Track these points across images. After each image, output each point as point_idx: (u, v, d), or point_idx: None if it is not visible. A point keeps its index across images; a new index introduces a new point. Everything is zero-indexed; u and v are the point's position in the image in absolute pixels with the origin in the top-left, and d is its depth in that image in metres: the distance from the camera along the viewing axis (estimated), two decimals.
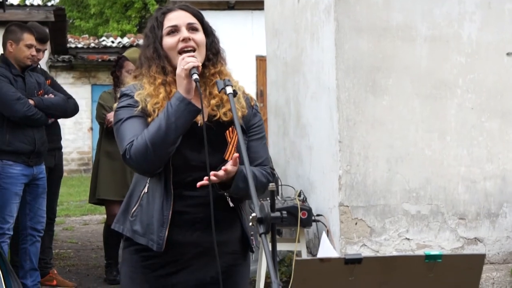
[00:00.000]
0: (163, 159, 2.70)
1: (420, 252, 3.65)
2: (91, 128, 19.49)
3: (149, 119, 2.75)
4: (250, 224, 2.31)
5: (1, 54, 5.91)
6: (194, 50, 2.80)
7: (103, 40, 21.74)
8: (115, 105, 2.86)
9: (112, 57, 17.07)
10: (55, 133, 6.52)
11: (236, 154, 2.66)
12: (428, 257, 1.97)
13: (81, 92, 19.27)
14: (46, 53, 11.72)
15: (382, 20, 5.50)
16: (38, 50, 6.10)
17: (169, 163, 2.74)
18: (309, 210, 5.52)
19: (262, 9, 8.45)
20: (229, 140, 2.82)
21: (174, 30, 2.83)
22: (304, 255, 5.52)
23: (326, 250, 2.20)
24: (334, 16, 5.46)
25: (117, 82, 6.41)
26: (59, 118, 6.36)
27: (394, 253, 5.23)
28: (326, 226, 5.66)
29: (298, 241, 5.51)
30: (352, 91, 5.44)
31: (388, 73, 5.49)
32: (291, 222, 5.40)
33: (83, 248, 8.50)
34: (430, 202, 5.52)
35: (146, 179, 2.82)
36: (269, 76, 8.05)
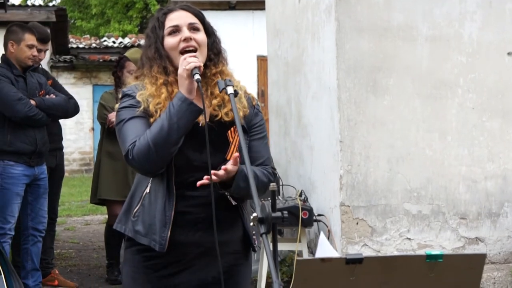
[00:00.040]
0: (166, 160, 2.70)
1: (421, 252, 3.65)
2: (93, 128, 19.49)
3: (151, 120, 2.75)
4: (251, 224, 2.31)
5: (3, 54, 5.91)
6: (195, 50, 2.80)
7: (105, 41, 21.74)
8: (117, 106, 2.86)
9: (114, 58, 17.06)
10: (56, 133, 6.53)
11: (236, 154, 2.67)
12: (429, 257, 1.97)
13: (82, 93, 19.28)
14: (48, 54, 11.74)
15: (383, 20, 5.50)
16: (39, 50, 6.10)
17: (172, 164, 2.74)
18: (310, 210, 5.52)
19: (263, 9, 8.46)
20: (231, 140, 2.82)
21: (176, 30, 2.83)
22: (305, 255, 5.52)
23: (325, 250, 2.20)
24: (335, 16, 5.47)
25: (119, 82, 6.41)
26: (61, 118, 6.36)
27: (395, 253, 5.23)
28: (327, 226, 5.66)
29: (299, 241, 5.51)
30: (353, 91, 5.44)
31: (389, 73, 5.49)
32: (292, 222, 5.41)
33: (85, 248, 8.50)
34: (431, 202, 5.52)
35: (148, 179, 2.82)
36: (270, 76, 8.06)
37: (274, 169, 2.98)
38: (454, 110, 5.56)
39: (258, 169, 2.84)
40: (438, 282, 2.01)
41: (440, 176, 5.53)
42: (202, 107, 2.66)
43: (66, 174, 8.03)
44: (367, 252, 5.40)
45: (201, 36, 2.85)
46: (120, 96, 2.89)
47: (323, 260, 1.94)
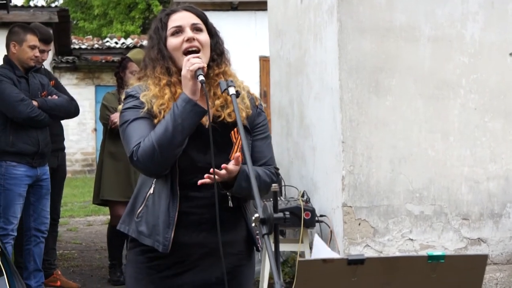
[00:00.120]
0: (170, 161, 2.71)
1: (423, 252, 3.65)
2: (95, 129, 19.50)
3: (155, 121, 2.75)
4: (253, 225, 2.31)
5: (5, 55, 5.91)
6: (198, 51, 2.80)
7: (107, 41, 21.76)
8: (120, 107, 2.86)
9: (116, 58, 17.09)
10: (57, 134, 6.53)
11: (238, 154, 2.67)
12: (431, 257, 1.97)
13: (84, 93, 19.31)
14: (50, 54, 11.75)
15: (385, 20, 5.50)
16: (42, 51, 6.11)
17: (176, 165, 2.74)
18: (313, 211, 5.52)
19: (265, 9, 8.45)
20: (234, 141, 2.82)
21: (178, 30, 2.84)
22: (308, 256, 5.52)
23: (319, 251, 2.20)
24: (337, 16, 5.47)
25: (121, 83, 6.42)
26: (63, 119, 6.36)
27: (397, 254, 5.24)
28: (329, 227, 5.66)
29: (302, 242, 5.51)
30: (355, 92, 5.44)
31: (391, 74, 5.49)
32: (295, 222, 5.40)
33: (87, 249, 8.50)
34: (434, 203, 5.52)
35: (151, 180, 2.82)
36: (273, 76, 8.06)
37: (277, 169, 2.97)
38: (456, 110, 5.56)
39: (260, 169, 2.84)
40: (440, 282, 2.01)
41: (442, 177, 5.52)
42: (206, 108, 2.66)
43: (68, 175, 8.05)
44: (369, 253, 5.40)
45: (204, 36, 2.85)
46: (123, 97, 2.89)
47: (325, 261, 1.94)
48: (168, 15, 2.89)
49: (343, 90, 5.43)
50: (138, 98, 2.80)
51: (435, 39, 5.55)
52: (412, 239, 5.49)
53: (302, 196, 5.78)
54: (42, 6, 17.57)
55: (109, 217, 7.27)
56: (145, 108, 2.77)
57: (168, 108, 2.74)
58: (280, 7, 7.50)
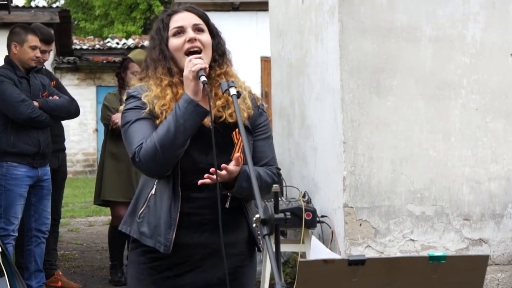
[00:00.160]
0: (172, 162, 2.71)
1: (425, 253, 3.65)
2: (96, 130, 19.51)
3: (157, 121, 2.75)
4: (254, 225, 2.31)
5: (6, 56, 5.91)
6: (200, 51, 2.80)
7: (108, 42, 21.78)
8: (122, 107, 2.86)
9: (117, 59, 17.08)
10: (58, 135, 6.53)
11: (238, 154, 2.67)
12: (432, 258, 1.97)
13: (86, 94, 19.31)
14: (51, 55, 11.75)
15: (386, 21, 5.50)
16: (43, 52, 6.11)
17: (177, 166, 2.74)
18: (314, 211, 5.51)
19: (267, 10, 8.45)
20: (236, 141, 2.82)
21: (180, 31, 2.84)
22: (309, 256, 5.52)
23: (316, 252, 2.20)
24: (338, 17, 5.47)
25: (122, 83, 6.43)
26: (63, 120, 6.37)
27: (398, 254, 5.23)
28: (330, 227, 5.66)
29: (303, 242, 5.51)
30: (357, 92, 5.44)
31: (393, 74, 5.49)
32: (296, 223, 5.40)
33: (88, 250, 8.51)
34: (435, 203, 5.51)
35: (153, 181, 2.82)
36: (274, 77, 8.06)
37: (279, 169, 2.97)
38: (458, 111, 5.55)
39: (262, 169, 2.84)
40: (441, 283, 2.01)
41: (443, 177, 5.52)
42: (208, 108, 2.66)
43: (69, 175, 8.05)
44: (370, 254, 5.39)
45: (205, 37, 2.85)
46: (124, 97, 2.89)
47: (325, 261, 1.94)
48: (170, 15, 2.89)
49: (344, 91, 5.43)
50: (139, 98, 2.80)
51: (436, 39, 5.55)
52: (413, 240, 5.49)
53: (303, 196, 5.78)
54: (43, 7, 17.58)
55: (110, 217, 7.27)
56: (147, 109, 2.77)
57: (170, 109, 2.73)
58: (281, 8, 7.50)
